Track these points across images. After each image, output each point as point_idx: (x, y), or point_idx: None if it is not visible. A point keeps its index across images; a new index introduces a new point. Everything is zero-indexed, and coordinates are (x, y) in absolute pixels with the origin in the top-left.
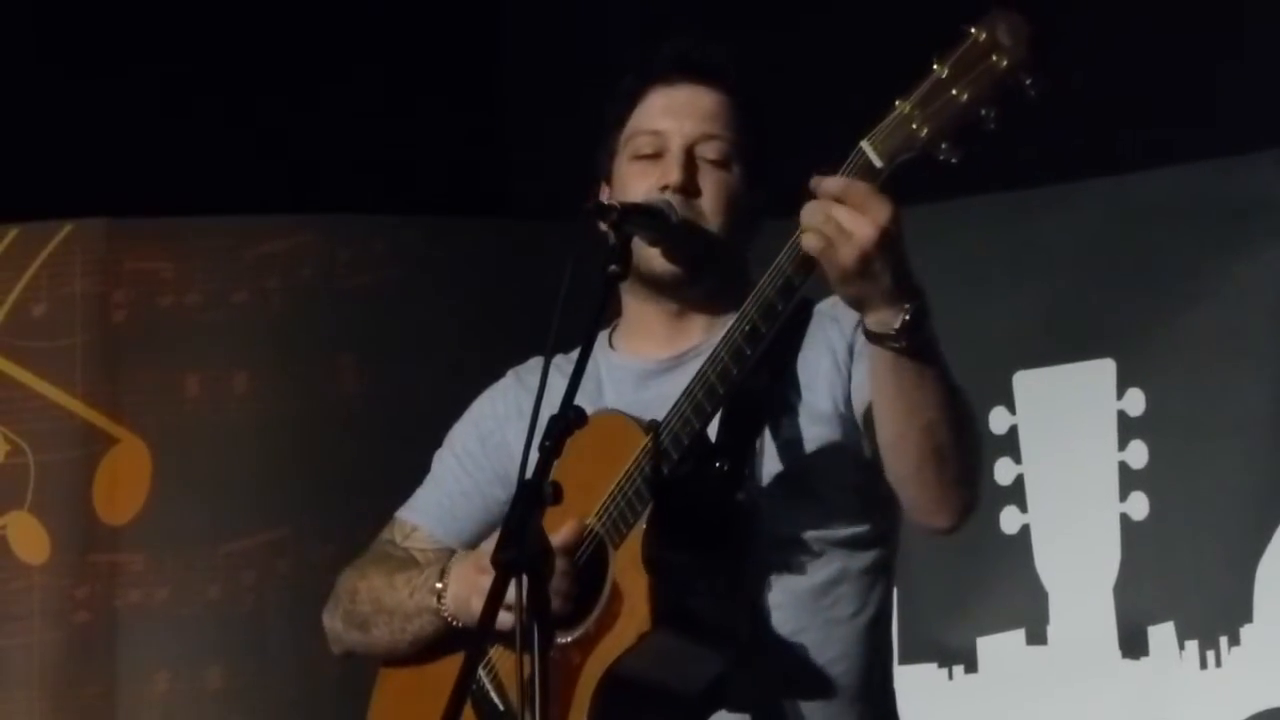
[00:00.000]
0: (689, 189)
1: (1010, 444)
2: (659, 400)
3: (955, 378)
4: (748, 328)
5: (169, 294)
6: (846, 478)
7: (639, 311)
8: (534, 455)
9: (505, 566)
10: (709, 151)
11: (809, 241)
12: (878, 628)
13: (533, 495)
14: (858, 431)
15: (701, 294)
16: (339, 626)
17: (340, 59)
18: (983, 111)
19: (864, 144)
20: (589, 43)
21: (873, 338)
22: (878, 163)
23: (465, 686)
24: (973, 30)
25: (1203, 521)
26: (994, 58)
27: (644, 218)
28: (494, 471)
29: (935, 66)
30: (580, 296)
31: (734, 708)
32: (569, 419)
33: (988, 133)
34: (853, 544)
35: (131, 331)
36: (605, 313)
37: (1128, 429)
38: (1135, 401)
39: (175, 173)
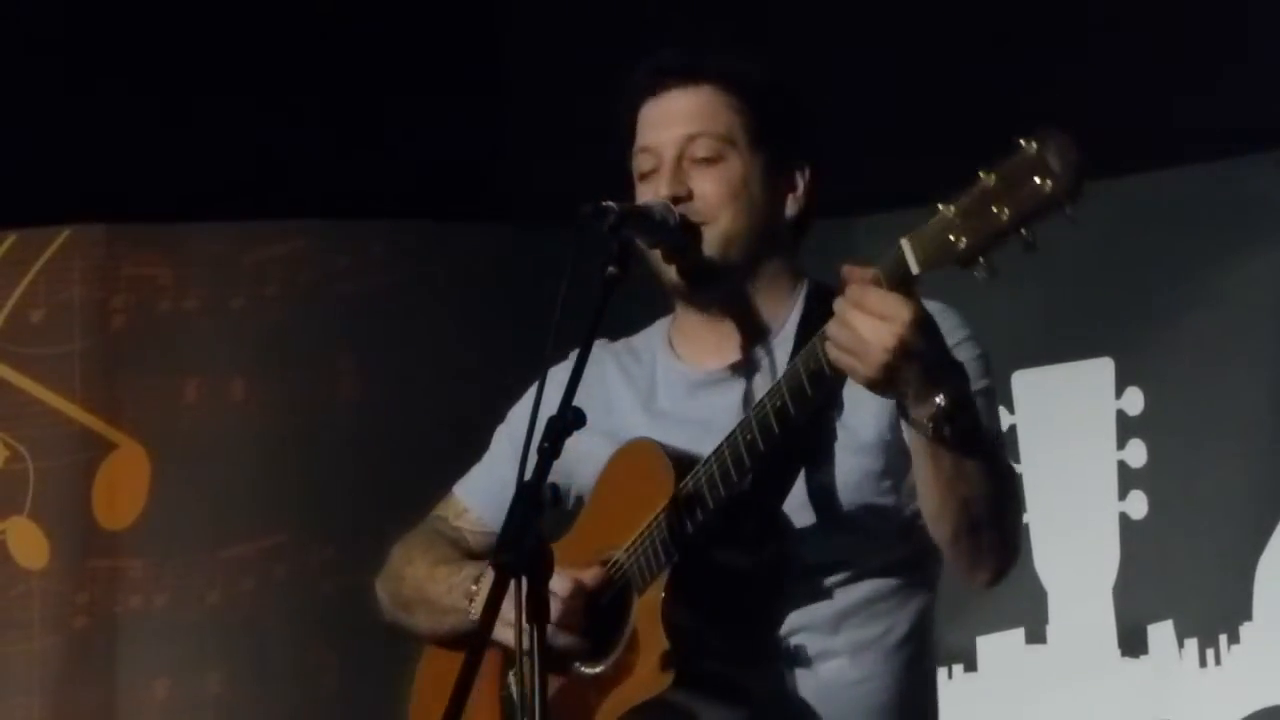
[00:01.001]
0: (679, 196)
1: (1009, 444)
2: (706, 412)
3: (1001, 451)
4: (779, 404)
5: (167, 299)
6: (884, 506)
7: (684, 316)
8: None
9: (502, 569)
10: (697, 151)
11: (830, 353)
12: (909, 645)
13: (531, 498)
14: (902, 458)
15: (728, 295)
16: (386, 601)
17: (339, 64)
18: (1022, 232)
19: (904, 242)
20: (590, 46)
21: (909, 422)
22: (914, 269)
23: (465, 688)
24: (1023, 144)
25: (1202, 520)
26: (1038, 180)
27: (640, 220)
28: None
29: (982, 176)
30: (585, 300)
31: None
32: (567, 420)
33: (1027, 248)
34: (887, 569)
35: (130, 337)
36: (604, 316)
37: (1126, 428)
38: (1134, 400)
39: (173, 178)
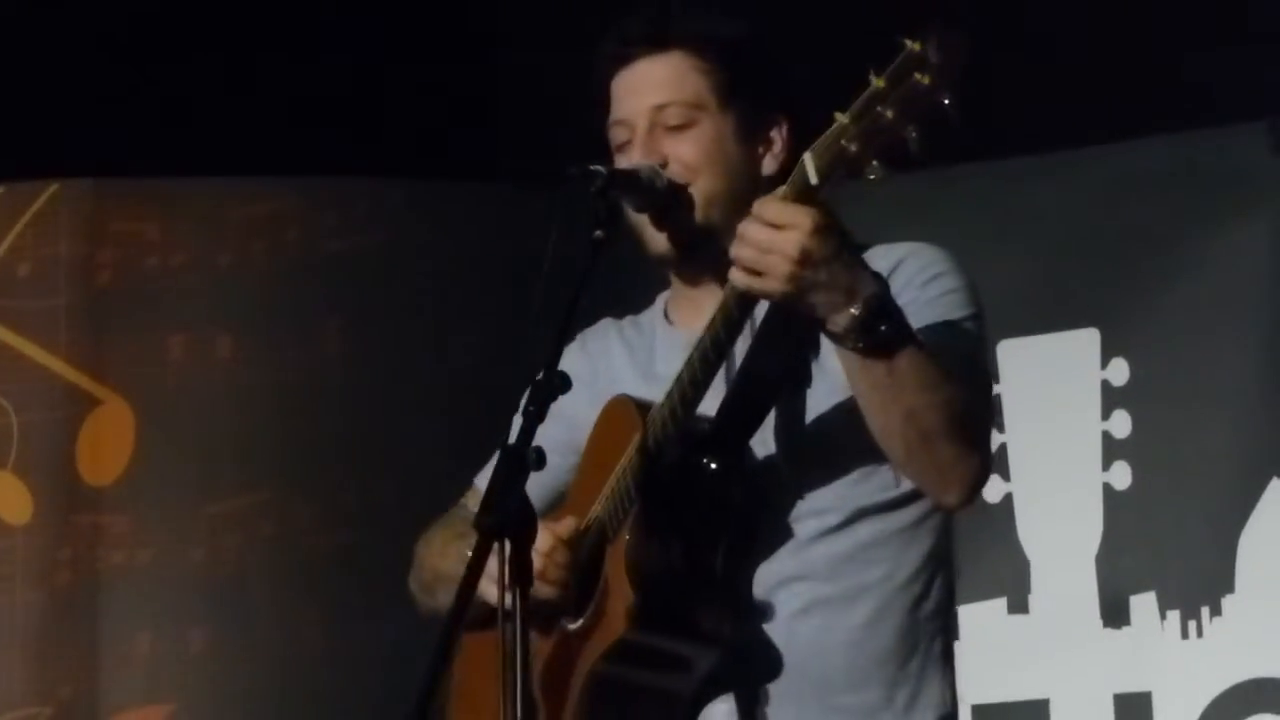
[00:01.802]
0: (655, 163)
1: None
2: None
3: (940, 357)
4: (713, 335)
5: (154, 255)
6: (873, 446)
7: (677, 285)
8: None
9: (485, 531)
10: (669, 119)
11: (736, 279)
12: (914, 586)
13: (515, 460)
14: None
15: (713, 260)
16: (414, 591)
17: (329, 19)
18: (909, 130)
19: (805, 156)
20: (582, 4)
21: (832, 338)
22: (813, 179)
23: (447, 651)
24: (907, 43)
25: (1185, 491)
26: (918, 75)
27: (627, 183)
28: (559, 440)
29: (873, 79)
30: (576, 262)
31: (738, 690)
32: (553, 384)
33: (911, 154)
34: (885, 507)
35: (116, 293)
36: (590, 279)
37: (1111, 398)
38: (1119, 371)
39: (162, 133)
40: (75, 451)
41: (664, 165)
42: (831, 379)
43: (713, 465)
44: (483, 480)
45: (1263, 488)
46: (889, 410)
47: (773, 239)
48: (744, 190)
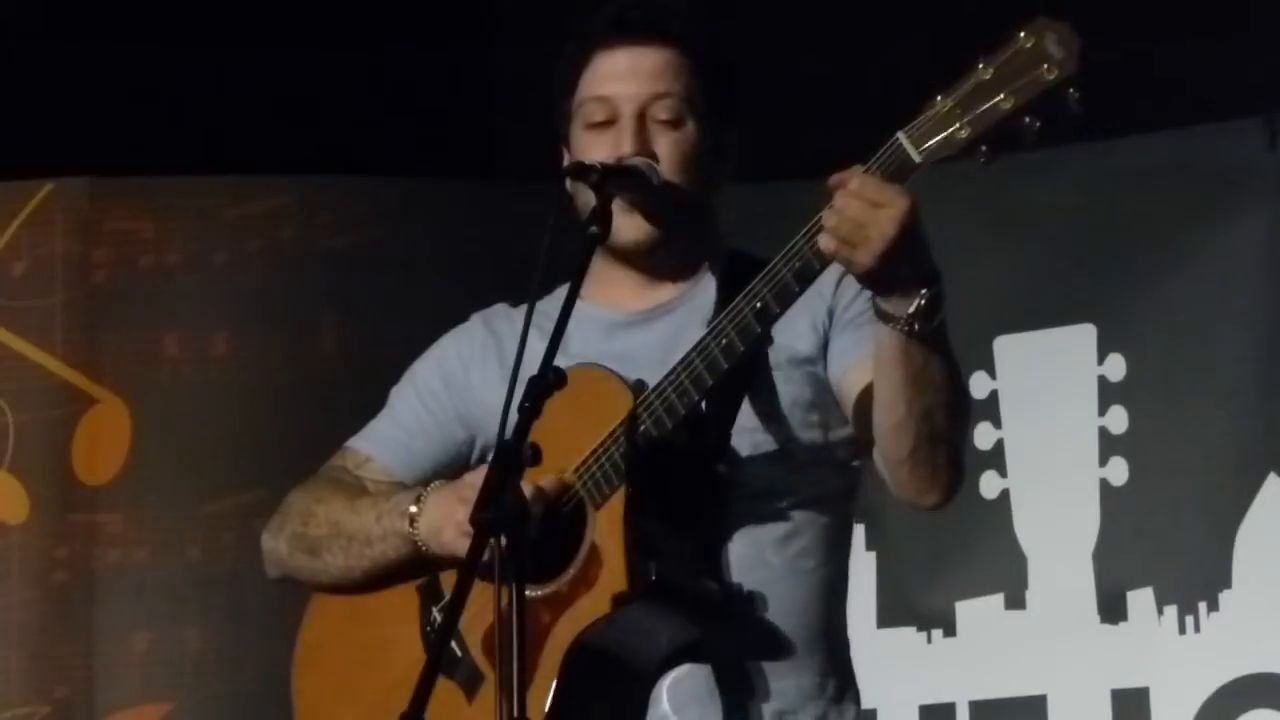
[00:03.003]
0: (644, 155)
1: (990, 409)
2: (628, 352)
3: (956, 361)
4: (759, 305)
5: (149, 254)
6: (816, 436)
7: (607, 267)
8: (514, 415)
9: (483, 527)
10: (660, 112)
11: (825, 243)
12: (837, 582)
13: (511, 456)
14: (830, 392)
15: (673, 253)
16: (283, 549)
17: (323, 19)
18: (1026, 120)
19: (901, 136)
20: (583, 3)
21: (884, 317)
22: (916, 158)
23: (444, 642)
24: (1021, 35)
25: (1182, 487)
26: (1043, 68)
27: (625, 179)
28: (455, 411)
29: (980, 66)
30: (560, 257)
31: (694, 660)
32: (548, 380)
33: (1029, 142)
34: (819, 500)
35: (112, 291)
36: (585, 275)
37: (1108, 394)
38: (1116, 367)
39: (157, 132)
40: (71, 450)
41: (654, 159)
42: (786, 370)
43: (712, 441)
44: (361, 442)
45: (1259, 483)
46: (912, 403)
47: (871, 216)
48: (706, 195)
